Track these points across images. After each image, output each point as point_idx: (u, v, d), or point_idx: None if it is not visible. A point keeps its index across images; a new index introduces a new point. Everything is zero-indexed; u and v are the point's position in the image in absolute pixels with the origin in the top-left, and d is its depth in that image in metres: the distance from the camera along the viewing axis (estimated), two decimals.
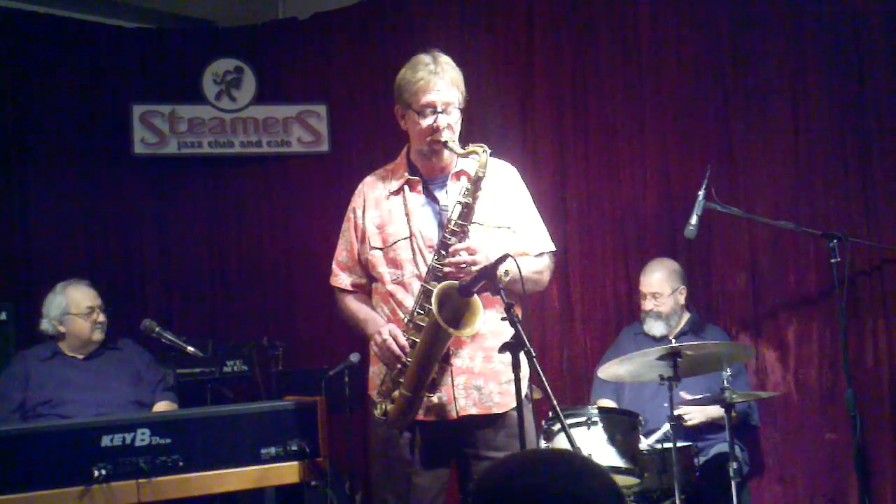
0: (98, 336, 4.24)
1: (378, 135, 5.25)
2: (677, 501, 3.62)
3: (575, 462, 1.41)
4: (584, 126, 4.96)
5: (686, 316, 4.41)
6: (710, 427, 4.15)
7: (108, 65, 5.47)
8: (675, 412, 4.04)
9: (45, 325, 4.24)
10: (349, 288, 2.98)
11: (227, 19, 5.98)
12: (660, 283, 4.33)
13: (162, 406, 4.23)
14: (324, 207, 5.27)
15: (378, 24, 5.50)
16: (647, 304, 4.35)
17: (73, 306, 4.21)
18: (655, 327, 4.33)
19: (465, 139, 2.82)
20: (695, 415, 4.10)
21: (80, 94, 5.39)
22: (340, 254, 3.00)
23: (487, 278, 2.60)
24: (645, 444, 3.83)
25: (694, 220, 4.09)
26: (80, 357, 4.23)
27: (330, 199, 5.06)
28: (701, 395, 3.97)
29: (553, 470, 1.37)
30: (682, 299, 4.39)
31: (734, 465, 3.66)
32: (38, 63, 5.31)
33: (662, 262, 4.43)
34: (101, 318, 4.25)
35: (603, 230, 4.91)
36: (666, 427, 4.02)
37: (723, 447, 3.94)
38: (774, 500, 4.46)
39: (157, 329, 4.09)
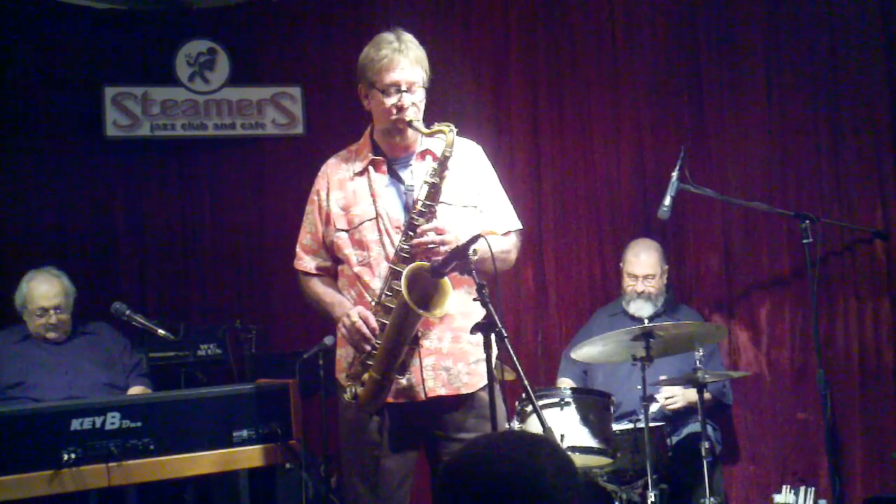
0: (52, 335, 4.17)
1: (353, 117, 5.18)
2: (650, 481, 3.65)
3: (526, 440, 1.42)
4: (558, 107, 4.96)
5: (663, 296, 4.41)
6: (688, 408, 4.15)
7: (80, 46, 5.39)
8: (658, 396, 4.06)
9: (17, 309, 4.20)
10: (314, 271, 2.95)
11: (199, 0, 5.91)
12: (653, 265, 4.31)
13: (136, 391, 4.20)
14: (298, 190, 5.15)
15: (352, 5, 5.46)
16: (639, 286, 4.29)
17: (29, 302, 4.15)
18: (644, 308, 4.29)
19: (438, 121, 2.78)
20: (677, 399, 4.10)
21: (52, 76, 5.31)
22: (304, 237, 2.97)
23: (459, 259, 2.57)
24: (655, 407, 3.87)
25: (667, 201, 4.10)
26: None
27: (305, 182, 4.93)
28: (675, 376, 3.98)
29: (505, 451, 1.38)
30: (665, 279, 4.39)
31: (706, 444, 3.69)
32: (8, 44, 5.23)
33: (650, 243, 4.39)
34: (55, 319, 4.15)
35: (577, 211, 4.92)
36: (660, 403, 4.04)
37: (695, 427, 3.97)
38: (746, 479, 4.50)
39: (128, 312, 4.04)
